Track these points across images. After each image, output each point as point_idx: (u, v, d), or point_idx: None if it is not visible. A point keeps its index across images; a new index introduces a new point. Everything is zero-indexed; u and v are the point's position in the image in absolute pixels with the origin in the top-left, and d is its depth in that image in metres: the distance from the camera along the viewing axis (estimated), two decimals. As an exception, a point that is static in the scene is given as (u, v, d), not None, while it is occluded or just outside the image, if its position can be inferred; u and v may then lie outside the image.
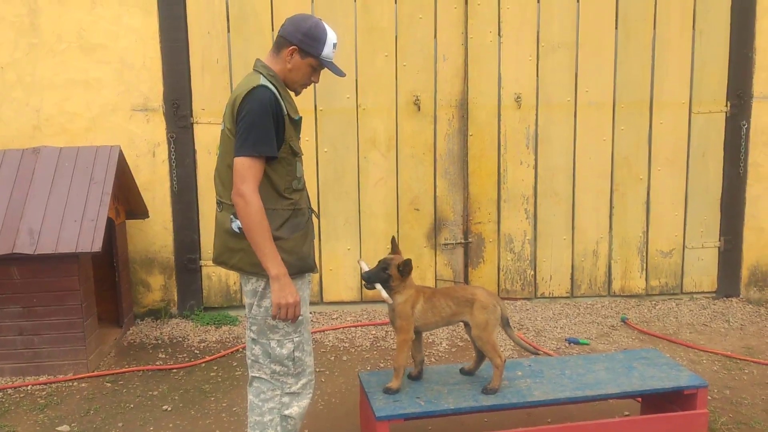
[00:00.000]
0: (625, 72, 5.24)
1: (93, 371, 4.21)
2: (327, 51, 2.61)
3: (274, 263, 2.48)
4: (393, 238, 3.22)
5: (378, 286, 2.99)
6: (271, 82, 2.56)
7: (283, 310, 2.51)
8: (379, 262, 3.06)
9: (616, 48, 5.21)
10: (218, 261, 2.72)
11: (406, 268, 3.00)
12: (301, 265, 2.65)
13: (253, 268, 2.59)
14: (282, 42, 2.62)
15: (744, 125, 5.32)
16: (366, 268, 3.04)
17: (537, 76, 5.19)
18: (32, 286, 4.09)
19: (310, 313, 5.10)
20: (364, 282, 3.05)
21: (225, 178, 2.61)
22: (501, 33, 5.12)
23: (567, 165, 5.30)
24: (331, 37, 2.62)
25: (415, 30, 5.07)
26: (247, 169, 2.45)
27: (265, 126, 2.47)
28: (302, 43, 2.58)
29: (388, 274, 2.99)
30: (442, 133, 5.19)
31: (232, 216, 2.58)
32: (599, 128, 5.28)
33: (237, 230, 2.57)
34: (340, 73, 2.72)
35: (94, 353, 4.28)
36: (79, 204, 4.16)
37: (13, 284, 4.08)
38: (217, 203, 2.68)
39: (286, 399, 2.68)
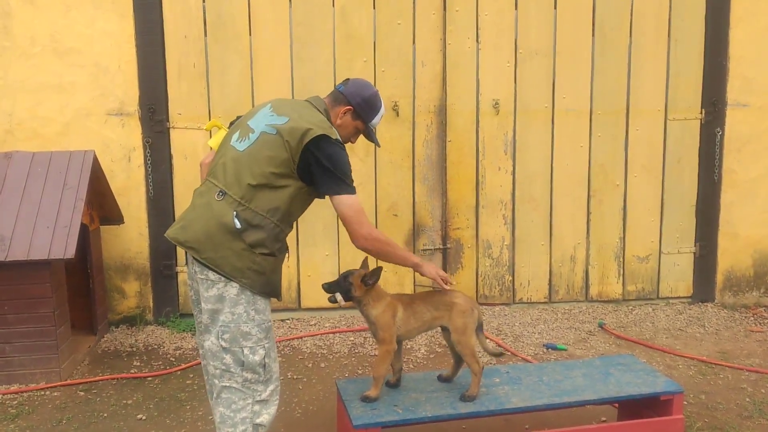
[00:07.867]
0: (602, 79, 5.28)
1: (66, 380, 4.13)
2: (376, 120, 2.89)
3: (413, 258, 2.94)
4: (365, 259, 3.15)
5: (338, 296, 2.97)
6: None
7: (442, 275, 3.00)
8: (341, 273, 3.06)
9: (593, 55, 5.25)
10: (187, 245, 2.61)
11: (374, 276, 2.96)
12: (271, 290, 2.69)
13: (233, 271, 2.56)
14: (341, 98, 2.83)
15: (718, 132, 5.39)
16: (343, 302, 3.02)
17: (515, 82, 5.21)
18: (3, 294, 4.01)
19: (288, 319, 5.09)
20: (328, 294, 3.01)
21: (243, 173, 2.59)
22: (479, 39, 5.14)
23: (544, 171, 5.33)
24: (383, 110, 2.91)
25: (393, 36, 5.07)
26: (359, 212, 2.71)
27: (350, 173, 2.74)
28: (359, 106, 2.82)
29: (349, 282, 2.96)
30: (421, 138, 5.19)
31: (235, 213, 2.56)
32: (576, 135, 5.32)
33: (238, 227, 2.55)
34: (376, 143, 3.00)
35: (67, 361, 4.21)
36: (52, 210, 4.09)
37: (-17, 292, 4.00)
38: (218, 192, 2.61)
39: (257, 407, 2.65)
